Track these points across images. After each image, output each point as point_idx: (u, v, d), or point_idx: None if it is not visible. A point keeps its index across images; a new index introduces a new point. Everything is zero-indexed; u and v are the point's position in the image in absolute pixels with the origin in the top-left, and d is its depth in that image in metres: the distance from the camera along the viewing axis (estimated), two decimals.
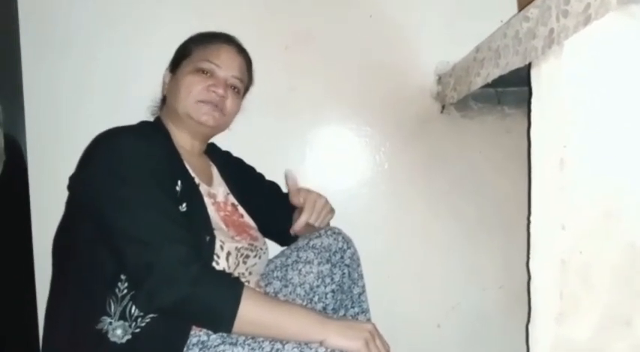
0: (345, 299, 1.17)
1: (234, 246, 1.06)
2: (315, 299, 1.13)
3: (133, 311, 0.92)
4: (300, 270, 1.14)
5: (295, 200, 1.21)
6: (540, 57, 0.87)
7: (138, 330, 0.92)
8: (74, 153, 1.07)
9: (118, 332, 0.92)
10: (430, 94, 1.54)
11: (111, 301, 0.92)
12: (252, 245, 1.11)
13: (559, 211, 0.83)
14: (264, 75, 1.29)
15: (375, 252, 1.40)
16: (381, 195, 1.55)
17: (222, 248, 1.02)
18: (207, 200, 1.08)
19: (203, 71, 1.12)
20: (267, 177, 1.35)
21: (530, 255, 0.91)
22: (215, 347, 0.94)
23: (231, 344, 0.94)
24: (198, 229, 0.99)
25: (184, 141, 1.15)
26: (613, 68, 0.79)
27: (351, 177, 1.55)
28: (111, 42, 1.46)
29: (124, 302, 0.92)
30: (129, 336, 0.92)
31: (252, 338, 0.93)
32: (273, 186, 1.34)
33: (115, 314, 0.92)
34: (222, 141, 1.29)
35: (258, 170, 1.35)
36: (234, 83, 1.15)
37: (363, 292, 1.20)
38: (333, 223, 1.30)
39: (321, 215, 1.20)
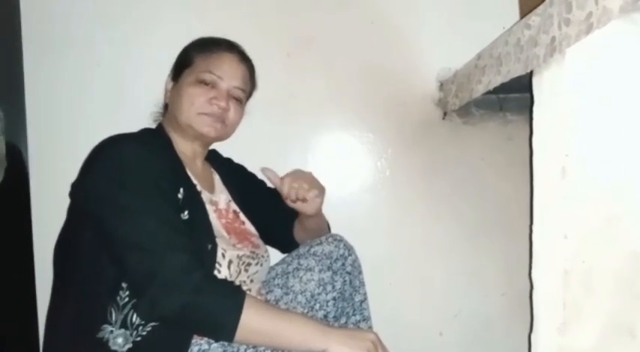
0: (347, 306, 1.17)
1: (236, 253, 1.05)
2: (317, 306, 1.12)
3: (134, 319, 0.92)
4: (301, 278, 1.14)
5: (283, 188, 1.18)
6: (542, 65, 0.87)
7: (139, 339, 0.92)
8: (75, 159, 1.07)
9: (119, 340, 0.91)
10: (432, 101, 1.54)
11: (112, 309, 0.92)
12: (253, 252, 1.11)
13: (561, 220, 0.82)
14: (266, 80, 1.29)
15: (377, 259, 1.40)
16: (383, 201, 1.55)
17: (223, 256, 1.02)
18: (209, 207, 1.08)
19: (205, 82, 1.11)
20: (269, 184, 1.35)
21: (533, 264, 0.90)
22: None
23: None
24: (200, 237, 0.99)
25: (186, 148, 1.14)
26: (615, 76, 0.79)
27: (353, 183, 1.55)
28: (111, 42, 1.46)
29: (125, 310, 0.92)
30: (130, 345, 0.92)
31: (254, 347, 0.93)
32: (275, 193, 1.33)
33: (116, 322, 0.92)
34: (223, 146, 1.29)
35: (260, 176, 1.35)
36: (237, 94, 1.14)
37: (364, 300, 1.19)
38: (334, 230, 1.31)
39: (299, 180, 1.17)
